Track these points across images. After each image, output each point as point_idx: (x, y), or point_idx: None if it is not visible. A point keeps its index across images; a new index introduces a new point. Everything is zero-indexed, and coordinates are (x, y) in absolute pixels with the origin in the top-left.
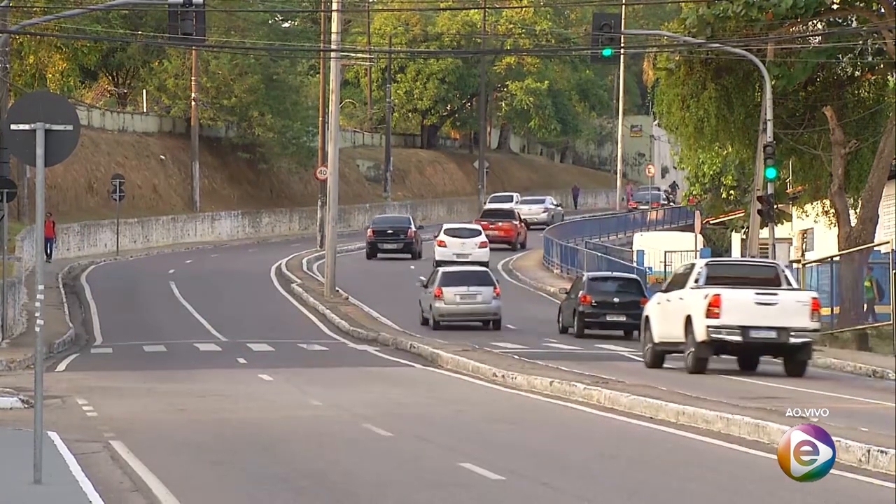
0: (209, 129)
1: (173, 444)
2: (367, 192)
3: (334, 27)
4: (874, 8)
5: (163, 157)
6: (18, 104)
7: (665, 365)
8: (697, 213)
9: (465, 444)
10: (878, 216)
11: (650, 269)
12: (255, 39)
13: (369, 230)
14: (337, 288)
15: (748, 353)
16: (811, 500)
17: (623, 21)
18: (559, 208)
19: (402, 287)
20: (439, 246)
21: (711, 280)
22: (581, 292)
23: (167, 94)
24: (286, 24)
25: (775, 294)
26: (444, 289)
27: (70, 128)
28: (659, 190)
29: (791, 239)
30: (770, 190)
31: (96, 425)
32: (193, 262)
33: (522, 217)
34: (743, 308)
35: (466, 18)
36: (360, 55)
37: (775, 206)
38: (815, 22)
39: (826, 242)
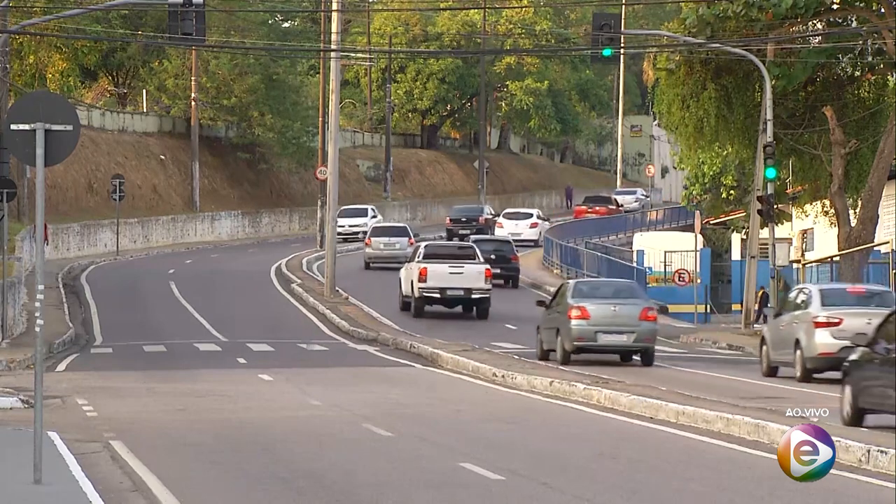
0: (209, 129)
1: (173, 444)
2: (367, 192)
3: (334, 27)
4: (874, 8)
5: (163, 157)
6: (18, 104)
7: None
8: (697, 213)
9: (465, 444)
10: (878, 216)
11: (650, 269)
12: (255, 39)
13: (447, 219)
14: (337, 288)
15: (448, 304)
16: (811, 500)
17: (623, 21)
18: (647, 198)
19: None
20: (498, 227)
21: (426, 257)
22: None
23: (167, 94)
24: (286, 24)
25: (462, 266)
26: (372, 239)
27: (70, 128)
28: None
29: (791, 239)
30: (770, 190)
31: (96, 425)
32: (193, 262)
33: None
34: (441, 275)
35: (466, 18)
36: (360, 55)
37: (775, 206)
38: (815, 22)
39: (826, 242)
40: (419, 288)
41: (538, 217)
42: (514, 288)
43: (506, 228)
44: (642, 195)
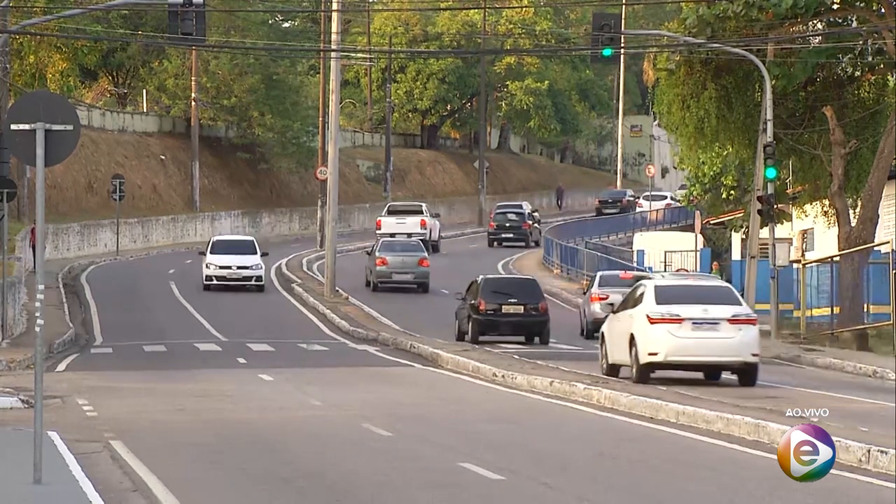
0: (209, 129)
1: (173, 444)
2: (367, 192)
3: (334, 27)
4: (874, 8)
5: (163, 157)
6: (18, 104)
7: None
8: (697, 213)
9: (465, 444)
10: (878, 216)
11: (650, 268)
12: (255, 39)
13: (597, 199)
14: (337, 288)
15: None
16: (811, 500)
17: (623, 21)
18: None
19: (402, 287)
20: (638, 206)
21: (386, 213)
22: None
23: (167, 94)
24: (286, 24)
25: (405, 218)
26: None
27: (70, 128)
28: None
29: (791, 239)
30: (770, 190)
31: (96, 425)
32: (193, 262)
33: None
34: (390, 224)
35: (466, 18)
36: (360, 55)
37: (775, 206)
38: (815, 22)
39: (826, 242)
40: (377, 233)
41: (671, 198)
42: (528, 247)
43: (644, 207)
44: None
